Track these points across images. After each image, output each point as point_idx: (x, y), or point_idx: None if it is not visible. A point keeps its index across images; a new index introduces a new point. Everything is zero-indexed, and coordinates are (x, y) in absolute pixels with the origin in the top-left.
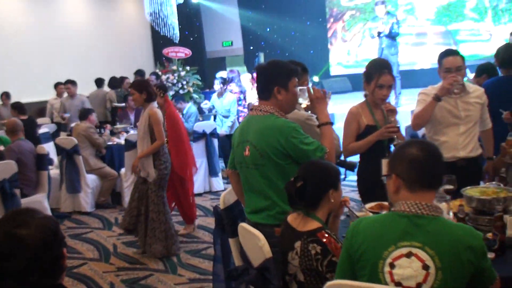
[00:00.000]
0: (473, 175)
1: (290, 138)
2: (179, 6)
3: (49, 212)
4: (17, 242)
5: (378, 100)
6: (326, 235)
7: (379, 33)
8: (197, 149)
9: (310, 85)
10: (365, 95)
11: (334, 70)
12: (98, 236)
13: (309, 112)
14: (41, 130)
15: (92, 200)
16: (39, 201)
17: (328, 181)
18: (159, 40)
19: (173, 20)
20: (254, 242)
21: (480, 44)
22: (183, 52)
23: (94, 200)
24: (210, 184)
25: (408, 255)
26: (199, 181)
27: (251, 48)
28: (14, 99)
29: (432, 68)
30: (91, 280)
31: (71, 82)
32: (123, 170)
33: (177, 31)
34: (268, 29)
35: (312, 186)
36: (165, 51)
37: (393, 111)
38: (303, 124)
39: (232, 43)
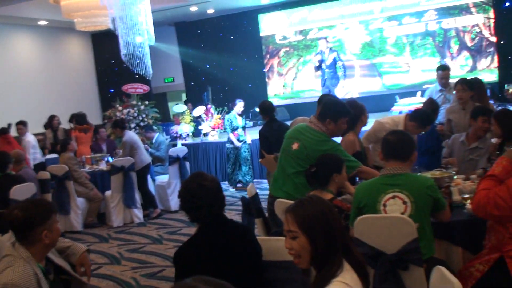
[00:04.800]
0: None
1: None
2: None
3: None
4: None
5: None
6: (339, 200)
7: (320, 63)
8: (172, 172)
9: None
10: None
11: (272, 101)
12: (100, 247)
13: None
14: None
15: (81, 220)
16: None
17: (332, 168)
18: (104, 79)
19: (147, 60)
20: None
21: (400, 75)
22: (142, 88)
23: (83, 220)
24: None
25: (393, 197)
26: (175, 200)
27: (192, 83)
28: None
29: (360, 97)
30: (113, 277)
31: (22, 123)
32: (108, 193)
33: (150, 70)
34: (207, 66)
35: (321, 171)
36: (125, 87)
37: None
38: None
39: (173, 79)
